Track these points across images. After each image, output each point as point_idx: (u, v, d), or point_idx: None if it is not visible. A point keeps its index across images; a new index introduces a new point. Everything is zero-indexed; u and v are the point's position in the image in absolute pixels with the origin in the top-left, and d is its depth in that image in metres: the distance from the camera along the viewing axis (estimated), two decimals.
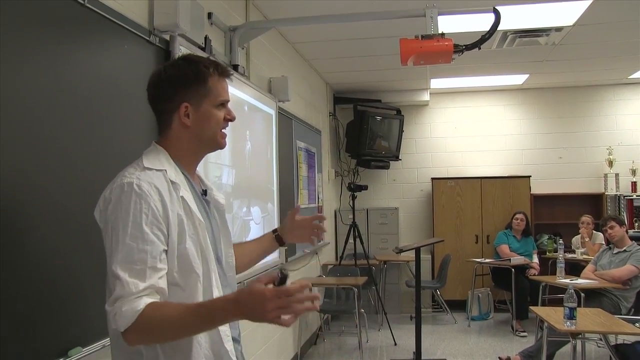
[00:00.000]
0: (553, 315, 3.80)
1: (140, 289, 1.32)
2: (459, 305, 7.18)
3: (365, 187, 6.74)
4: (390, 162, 7.66)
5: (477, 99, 8.02)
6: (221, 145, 1.60)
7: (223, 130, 1.57)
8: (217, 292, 1.50)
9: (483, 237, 7.46)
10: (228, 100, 1.58)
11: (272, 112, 4.25)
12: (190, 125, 1.52)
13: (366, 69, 6.52)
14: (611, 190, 7.51)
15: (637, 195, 7.45)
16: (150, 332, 1.34)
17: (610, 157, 7.58)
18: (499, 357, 4.84)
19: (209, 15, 3.29)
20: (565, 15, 4.73)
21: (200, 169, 2.76)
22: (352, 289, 5.76)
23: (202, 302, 1.39)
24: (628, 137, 7.69)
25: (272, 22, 4.33)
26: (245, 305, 1.27)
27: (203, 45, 3.05)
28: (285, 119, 4.76)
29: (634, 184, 7.51)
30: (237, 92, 3.48)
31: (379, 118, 7.29)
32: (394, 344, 5.91)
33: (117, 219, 1.37)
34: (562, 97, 7.88)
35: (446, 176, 7.75)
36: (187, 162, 1.58)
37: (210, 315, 1.32)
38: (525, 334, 6.09)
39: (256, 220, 3.83)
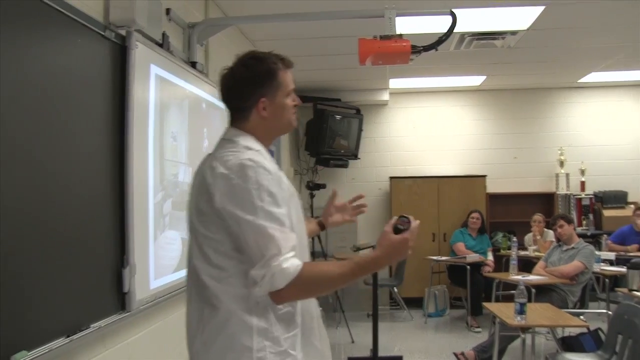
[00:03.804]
0: (505, 311, 3.91)
1: (291, 246, 1.52)
2: (416, 303, 7.28)
3: (323, 186, 6.76)
4: (350, 160, 7.71)
5: (435, 99, 8.14)
6: (294, 126, 1.79)
7: (293, 113, 1.77)
8: (307, 258, 1.71)
9: (440, 235, 7.59)
10: (294, 88, 1.77)
11: None
12: (268, 117, 1.69)
13: (326, 68, 6.55)
14: (562, 190, 7.75)
15: (585, 195, 7.72)
16: (308, 287, 1.55)
17: (562, 157, 7.81)
18: (454, 353, 4.94)
19: (167, 11, 3.26)
20: (520, 20, 4.85)
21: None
22: None
23: (354, 260, 1.57)
24: (578, 139, 7.94)
25: (232, 20, 4.31)
26: (393, 253, 1.57)
27: (161, 42, 3.01)
28: None
29: (582, 184, 7.77)
30: (195, 89, 3.46)
31: (338, 117, 7.33)
32: (352, 342, 5.97)
33: (249, 190, 1.52)
34: (518, 99, 8.08)
35: (404, 175, 7.84)
36: (266, 145, 1.73)
37: (362, 269, 1.56)
38: (479, 329, 6.23)
39: None
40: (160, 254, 2.92)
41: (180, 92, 3.26)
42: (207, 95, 3.67)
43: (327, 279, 1.56)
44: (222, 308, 1.57)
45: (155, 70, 2.84)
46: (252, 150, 1.62)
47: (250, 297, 1.56)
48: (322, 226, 2.16)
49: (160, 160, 2.92)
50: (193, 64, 3.50)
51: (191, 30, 3.52)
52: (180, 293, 3.18)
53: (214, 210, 1.56)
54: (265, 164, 1.57)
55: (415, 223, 1.59)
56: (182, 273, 3.16)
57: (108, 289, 2.46)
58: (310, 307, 1.71)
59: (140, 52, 2.64)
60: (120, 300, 2.53)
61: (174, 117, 3.13)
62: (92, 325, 2.28)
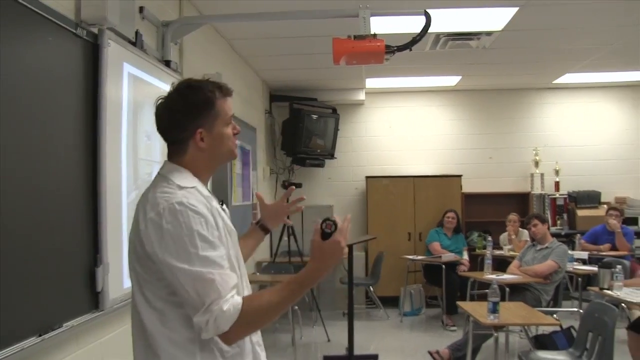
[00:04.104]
0: (478, 310, 3.95)
1: (231, 287, 1.48)
2: (392, 302, 7.32)
3: (299, 185, 6.75)
4: (326, 160, 7.72)
5: (411, 99, 8.20)
6: (235, 155, 1.72)
7: (233, 142, 1.68)
8: (247, 292, 1.66)
9: (416, 234, 7.64)
10: (232, 115, 1.69)
11: None
12: (206, 147, 1.62)
13: (302, 67, 6.55)
14: (537, 190, 7.86)
15: (559, 195, 7.83)
16: (253, 322, 1.51)
17: (537, 157, 7.92)
18: (429, 351, 4.97)
19: (141, 9, 3.23)
20: (495, 20, 4.91)
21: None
22: None
23: (290, 279, 1.55)
24: (553, 139, 8.06)
25: (206, 18, 4.29)
26: (328, 259, 1.53)
27: (134, 40, 2.99)
28: None
29: (557, 184, 7.88)
30: (168, 87, 3.42)
31: (314, 116, 7.34)
32: (328, 340, 5.98)
33: (181, 237, 1.46)
34: (493, 99, 8.17)
35: (381, 175, 7.88)
36: (205, 178, 1.68)
37: (302, 286, 1.53)
38: (454, 328, 6.29)
39: None
40: None
41: (154, 90, 3.23)
42: None
43: (269, 308, 1.51)
44: (163, 356, 1.51)
45: (128, 68, 2.82)
46: (184, 190, 1.54)
47: (193, 342, 1.51)
48: (265, 230, 2.09)
49: (134, 159, 2.90)
50: (167, 63, 3.48)
51: (165, 28, 3.49)
52: None
53: (148, 256, 1.50)
54: (197, 207, 1.50)
55: (343, 223, 1.54)
56: None
57: (81, 287, 2.45)
58: (256, 348, 1.67)
59: (112, 50, 2.62)
60: (93, 299, 2.52)
61: (147, 116, 3.11)
62: (65, 324, 2.27)
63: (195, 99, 1.61)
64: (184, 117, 1.60)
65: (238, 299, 1.48)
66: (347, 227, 1.54)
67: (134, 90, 2.89)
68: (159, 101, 1.65)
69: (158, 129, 1.66)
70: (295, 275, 1.55)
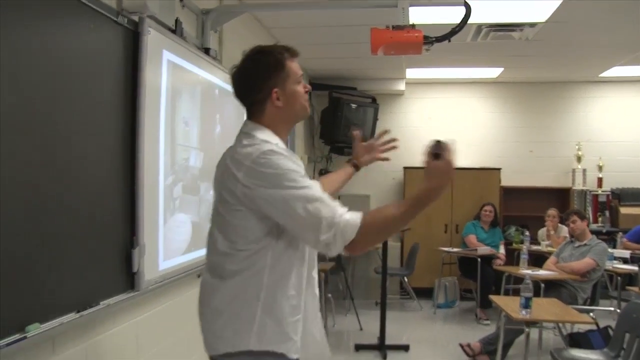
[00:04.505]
0: (511, 304, 3.92)
1: (338, 204, 1.64)
2: (426, 293, 7.30)
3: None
4: None
5: (451, 90, 8.11)
6: (308, 111, 1.87)
7: (306, 99, 1.84)
8: None
9: (452, 226, 7.59)
10: (302, 75, 1.84)
11: None
12: (282, 106, 1.77)
13: (342, 57, 6.55)
14: (578, 185, 7.68)
15: (602, 191, 7.63)
16: (376, 231, 1.65)
17: (579, 152, 7.73)
18: (460, 344, 4.96)
19: None
20: (539, 12, 4.80)
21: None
22: (320, 273, 5.81)
23: (409, 196, 1.68)
24: (597, 134, 7.85)
25: (246, 7, 4.33)
26: (442, 179, 1.63)
27: (174, 28, 3.04)
28: None
29: (600, 180, 7.68)
30: (208, 75, 3.50)
31: (354, 106, 7.33)
32: (360, 329, 6.02)
33: (279, 174, 1.62)
34: (535, 92, 8.00)
35: (418, 165, 7.78)
36: (284, 135, 1.84)
37: (420, 202, 1.65)
38: (488, 322, 6.24)
39: None
40: (170, 236, 2.98)
41: (193, 78, 3.30)
42: (220, 81, 3.70)
43: (390, 220, 1.65)
44: (236, 281, 1.69)
45: (167, 56, 2.88)
46: (269, 143, 1.70)
47: (265, 275, 1.68)
48: (356, 167, 2.29)
49: (171, 145, 2.97)
50: (206, 51, 3.54)
51: (205, 16, 3.54)
52: (188, 275, 3.25)
53: (242, 200, 1.66)
54: (284, 152, 1.68)
55: (450, 144, 1.65)
56: (191, 255, 3.24)
57: (118, 268, 2.53)
58: (314, 300, 1.84)
59: (152, 38, 2.68)
60: (129, 279, 2.60)
61: (185, 103, 3.18)
62: (101, 303, 2.35)
63: (267, 61, 1.76)
64: (259, 79, 1.75)
65: (356, 212, 1.62)
66: (454, 149, 1.65)
67: (172, 77, 2.95)
68: (233, 69, 1.81)
69: (236, 94, 1.82)
70: (414, 193, 1.67)
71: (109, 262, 2.47)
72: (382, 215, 1.66)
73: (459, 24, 3.49)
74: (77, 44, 2.20)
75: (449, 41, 3.55)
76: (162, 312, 3.07)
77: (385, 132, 2.31)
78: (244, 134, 1.78)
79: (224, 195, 1.72)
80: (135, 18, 2.60)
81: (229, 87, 3.79)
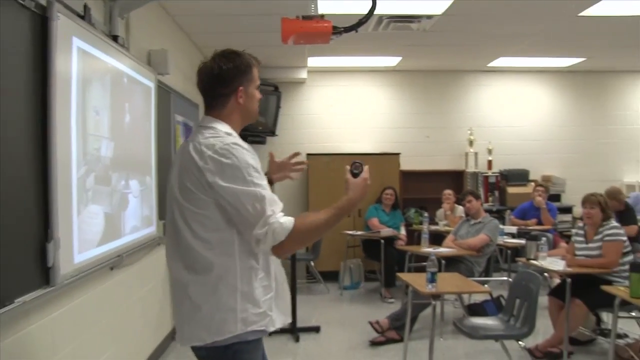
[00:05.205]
0: (417, 280, 4.15)
1: (280, 208, 1.83)
2: (332, 276, 7.49)
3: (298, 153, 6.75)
4: (267, 137, 7.76)
5: (352, 78, 8.34)
6: (257, 116, 2.10)
7: (257, 105, 2.08)
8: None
9: (355, 211, 7.81)
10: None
11: (152, 85, 4.17)
12: (243, 104, 1.99)
13: (245, 45, 6.27)
14: (471, 168, 8.21)
15: (492, 173, 8.22)
16: (304, 236, 1.86)
17: (471, 137, 8.25)
18: (370, 322, 5.17)
19: None
20: (436, 4, 5.08)
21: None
22: None
23: (334, 206, 1.89)
24: (486, 120, 8.43)
25: None
26: (360, 192, 1.95)
27: (82, 14, 2.95)
28: (164, 92, 4.68)
29: (489, 162, 8.26)
30: (116, 63, 3.41)
31: None
32: None
33: (240, 168, 1.81)
34: (431, 80, 8.43)
35: (322, 152, 7.98)
36: (237, 131, 2.00)
37: (342, 210, 1.89)
38: (392, 300, 6.53)
39: (134, 193, 3.78)
40: (84, 228, 2.90)
41: (103, 65, 3.21)
42: (129, 69, 3.62)
43: (317, 226, 1.85)
44: (212, 274, 1.84)
45: (77, 42, 2.79)
46: (231, 136, 1.91)
47: (237, 265, 1.85)
48: (270, 182, 2.38)
49: (83, 135, 2.89)
50: (114, 38, 3.44)
51: (112, 3, 3.44)
52: (103, 267, 3.18)
53: (204, 189, 1.82)
54: (245, 146, 1.87)
55: (365, 167, 2.00)
56: (106, 247, 3.18)
57: (32, 263, 2.44)
58: (280, 273, 2.04)
59: (62, 23, 2.58)
60: (44, 274, 2.51)
61: (96, 91, 3.09)
62: (16, 301, 2.26)
63: (240, 61, 1.98)
64: (231, 75, 1.95)
65: (288, 217, 1.81)
66: (367, 169, 2.00)
67: (82, 65, 2.86)
68: (206, 63, 1.98)
69: (205, 85, 1.99)
70: (337, 203, 1.91)
71: (23, 258, 2.37)
72: (309, 221, 1.85)
73: (366, 14, 3.60)
74: None
75: (356, 31, 3.68)
76: (77, 308, 2.98)
77: (296, 154, 2.56)
78: (204, 127, 1.95)
79: (187, 185, 1.85)
80: (43, 2, 2.48)
81: (137, 76, 3.77)
